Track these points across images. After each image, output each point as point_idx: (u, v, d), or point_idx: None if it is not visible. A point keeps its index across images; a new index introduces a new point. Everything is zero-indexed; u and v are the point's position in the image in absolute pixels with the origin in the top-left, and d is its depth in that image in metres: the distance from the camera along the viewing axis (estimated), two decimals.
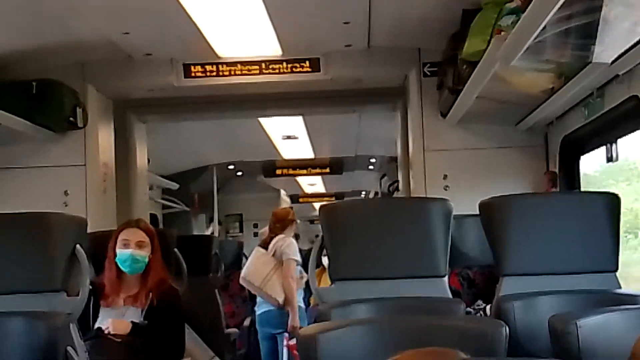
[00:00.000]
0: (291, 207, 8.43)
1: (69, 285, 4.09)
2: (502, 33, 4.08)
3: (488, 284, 5.00)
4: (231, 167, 13.56)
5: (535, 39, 3.67)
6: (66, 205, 6.17)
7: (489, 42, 4.25)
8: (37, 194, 6.16)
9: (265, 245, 6.78)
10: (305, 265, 5.89)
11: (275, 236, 6.77)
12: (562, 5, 3.34)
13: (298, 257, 6.73)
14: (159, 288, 4.43)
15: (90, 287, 4.20)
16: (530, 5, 3.47)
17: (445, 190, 6.20)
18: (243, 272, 6.80)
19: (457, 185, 6.21)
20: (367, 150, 12.52)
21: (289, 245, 6.71)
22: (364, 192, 18.53)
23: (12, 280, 3.87)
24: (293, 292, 6.51)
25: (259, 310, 6.82)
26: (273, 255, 6.65)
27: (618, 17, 3.59)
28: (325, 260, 4.47)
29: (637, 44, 3.43)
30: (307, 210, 21.18)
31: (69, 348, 3.67)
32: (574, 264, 3.73)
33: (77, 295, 4.01)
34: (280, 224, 6.92)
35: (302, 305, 6.88)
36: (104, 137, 6.72)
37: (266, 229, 7.18)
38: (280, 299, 6.51)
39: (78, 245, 4.03)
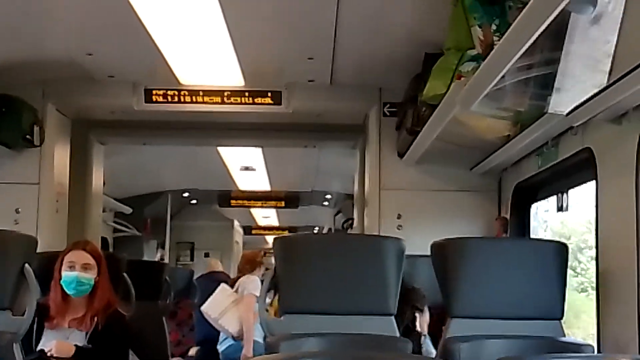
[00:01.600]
0: (260, 250, 8.72)
1: (14, 304, 4.03)
2: (462, 78, 4.15)
3: (437, 324, 5.03)
4: (186, 194, 13.51)
5: (494, 86, 3.75)
6: (17, 223, 6.09)
7: (449, 86, 4.32)
8: None
9: (232, 285, 7.12)
10: None
11: (242, 276, 7.12)
12: (521, 56, 3.42)
13: (258, 293, 6.60)
14: (105, 312, 4.38)
15: (36, 308, 4.15)
16: (491, 53, 3.55)
17: (399, 229, 6.25)
18: (204, 306, 7.05)
19: (410, 225, 6.26)
20: (323, 186, 12.58)
21: (252, 281, 7.02)
22: (317, 228, 18.56)
23: None
24: (250, 324, 6.69)
25: (221, 347, 6.97)
26: (236, 291, 6.98)
27: (575, 70, 3.69)
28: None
29: (592, 97, 3.51)
30: (259, 243, 21.12)
31: None
32: (521, 309, 3.78)
33: (23, 314, 3.95)
34: (249, 265, 7.26)
35: (260, 340, 6.85)
36: (60, 157, 6.66)
37: (215, 260, 7.28)
38: (234, 331, 6.66)
39: (27, 264, 3.98)
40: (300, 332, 3.76)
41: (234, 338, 6.73)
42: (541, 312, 3.77)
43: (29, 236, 4.26)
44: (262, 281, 7.00)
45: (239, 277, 7.17)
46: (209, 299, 7.18)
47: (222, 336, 7.00)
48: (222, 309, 6.81)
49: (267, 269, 7.52)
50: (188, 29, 5.21)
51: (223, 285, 7.11)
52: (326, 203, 14.00)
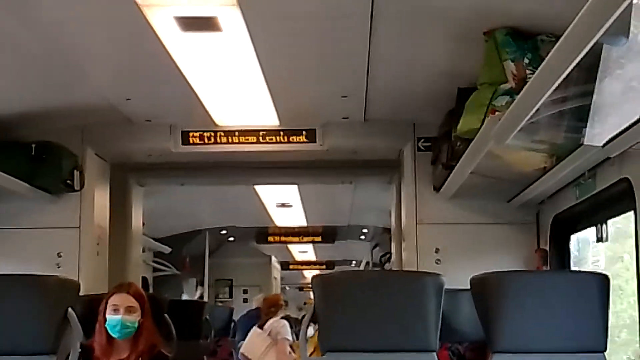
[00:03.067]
0: (280, 294, 10.98)
1: (59, 348, 4.09)
2: (497, 113, 4.16)
3: (479, 359, 5.01)
4: (224, 232, 13.58)
5: (528, 120, 3.76)
6: (59, 267, 6.16)
7: (483, 120, 4.33)
8: (31, 254, 6.16)
9: (261, 326, 8.02)
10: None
11: (269, 319, 8.07)
12: (555, 89, 3.43)
13: (290, 337, 8.04)
14: (150, 353, 4.42)
15: (80, 350, 4.20)
16: (525, 88, 3.56)
17: (437, 263, 6.22)
18: (242, 348, 7.90)
19: (449, 259, 6.24)
20: (359, 220, 12.58)
21: (283, 326, 7.97)
22: (354, 262, 18.52)
23: (2, 342, 3.87)
24: None
25: None
26: (269, 334, 7.88)
27: (610, 101, 3.69)
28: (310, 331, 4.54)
29: (629, 127, 3.50)
30: (297, 278, 21.13)
31: None
32: (563, 343, 3.75)
33: (67, 358, 4.01)
34: (274, 307, 8.25)
35: None
36: (100, 200, 6.75)
37: (260, 296, 8.86)
38: None
39: (70, 309, 4.04)
40: None
41: None
42: (584, 345, 3.74)
43: (72, 280, 4.34)
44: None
45: (266, 320, 8.05)
46: (246, 341, 7.99)
47: None
48: (259, 353, 7.71)
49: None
50: (223, 71, 5.28)
51: (256, 329, 8.00)
52: (363, 237, 13.99)
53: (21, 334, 3.91)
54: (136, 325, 4.43)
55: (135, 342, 4.44)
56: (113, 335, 4.42)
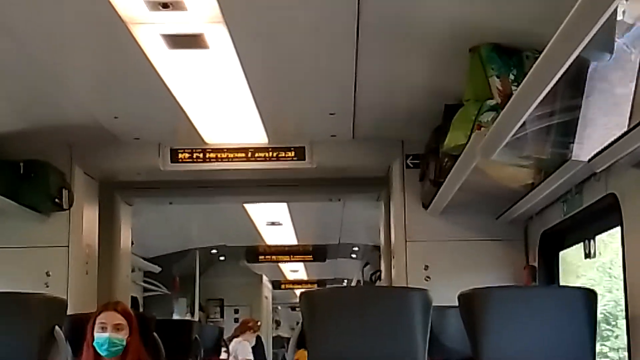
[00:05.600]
0: (257, 320, 11.22)
1: None
2: (482, 128, 4.18)
3: None
4: (214, 251, 13.55)
5: (514, 135, 3.77)
6: (47, 286, 6.13)
7: (469, 136, 4.35)
8: (19, 273, 6.13)
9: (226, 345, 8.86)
10: None
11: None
12: (540, 104, 3.45)
13: (250, 357, 9.57)
14: None
15: None
16: (509, 102, 3.58)
17: (427, 280, 6.22)
18: None
19: (438, 275, 6.24)
20: (350, 239, 12.57)
21: (244, 346, 9.35)
22: (346, 280, 18.48)
23: None
24: None
25: None
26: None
27: (596, 116, 3.71)
28: None
29: (613, 142, 3.52)
30: (289, 297, 21.06)
31: None
32: (551, 357, 3.75)
33: None
34: (241, 327, 9.86)
35: None
36: (89, 218, 6.74)
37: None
38: None
39: (57, 327, 4.03)
40: None
41: None
42: None
43: (59, 298, 4.32)
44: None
45: (231, 339, 8.94)
46: None
47: None
48: None
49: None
50: (211, 89, 5.29)
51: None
52: (354, 255, 13.97)
53: (7, 352, 3.89)
54: (124, 343, 4.41)
55: None
56: (101, 354, 4.39)
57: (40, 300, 4.22)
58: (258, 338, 9.88)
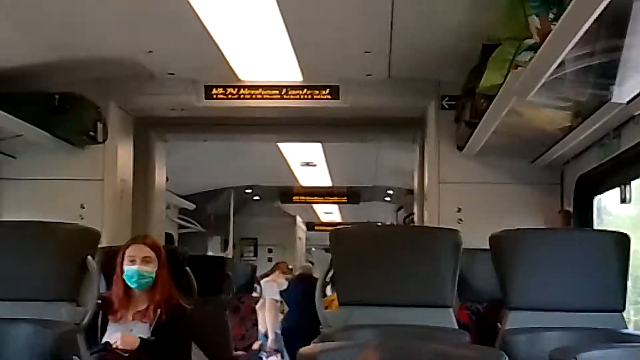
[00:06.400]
0: (285, 263, 11.72)
1: (79, 296, 4.14)
2: (519, 68, 4.10)
3: (497, 319, 4.99)
4: (248, 190, 13.61)
5: (551, 75, 3.69)
6: (82, 219, 6.19)
7: (506, 76, 4.27)
8: (54, 205, 6.18)
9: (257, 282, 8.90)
10: None
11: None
12: (578, 43, 3.36)
13: (277, 297, 10.17)
14: (168, 304, 4.47)
15: (100, 302, 4.25)
16: (545, 41, 3.49)
17: (459, 223, 6.18)
18: None
19: (471, 218, 6.19)
20: (384, 182, 12.54)
21: (270, 287, 9.93)
22: (380, 223, 18.50)
23: (22, 288, 3.93)
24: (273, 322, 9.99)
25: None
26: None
27: (637, 58, 3.61)
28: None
29: None
30: (323, 239, 21.14)
31: (75, 357, 3.71)
32: (580, 301, 3.74)
33: (87, 306, 4.05)
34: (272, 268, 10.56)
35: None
36: (123, 153, 6.77)
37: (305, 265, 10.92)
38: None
39: (89, 257, 4.08)
40: (356, 324, 3.78)
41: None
42: (601, 304, 3.73)
43: (92, 229, 4.38)
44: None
45: (261, 278, 9.33)
46: None
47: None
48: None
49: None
50: (246, 26, 5.24)
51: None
52: (388, 199, 13.95)
53: (41, 280, 3.96)
54: (153, 275, 4.48)
55: (153, 293, 4.49)
56: (131, 286, 4.47)
57: (73, 230, 4.28)
58: (305, 281, 9.86)
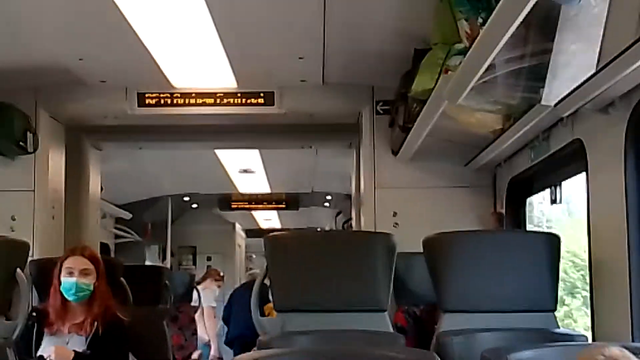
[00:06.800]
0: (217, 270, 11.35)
1: (9, 309, 4.05)
2: (450, 72, 4.14)
3: (434, 321, 5.03)
4: (186, 198, 13.49)
5: (480, 78, 3.74)
6: (13, 231, 6.06)
7: (437, 80, 4.31)
8: None
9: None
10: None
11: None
12: (508, 47, 3.41)
13: (213, 304, 10.09)
14: (105, 316, 4.40)
15: (35, 314, 4.16)
16: (473, 45, 3.54)
17: (395, 227, 6.23)
18: None
19: (406, 222, 6.24)
20: (323, 187, 12.56)
21: (206, 294, 9.59)
22: (319, 229, 18.52)
23: None
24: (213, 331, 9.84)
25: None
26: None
27: (565, 60, 3.68)
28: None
29: (579, 86, 3.50)
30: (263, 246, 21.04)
31: None
32: (514, 302, 3.79)
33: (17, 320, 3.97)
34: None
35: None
36: (55, 163, 6.65)
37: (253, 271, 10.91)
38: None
39: (18, 269, 4.00)
40: (293, 330, 3.77)
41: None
42: (534, 304, 3.78)
43: (21, 241, 4.29)
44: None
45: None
46: None
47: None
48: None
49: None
50: (178, 32, 5.20)
51: None
52: (327, 204, 13.97)
53: None
54: (91, 288, 4.41)
55: (90, 305, 4.42)
56: (68, 299, 4.39)
57: (1, 243, 4.18)
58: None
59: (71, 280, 4.35)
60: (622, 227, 3.52)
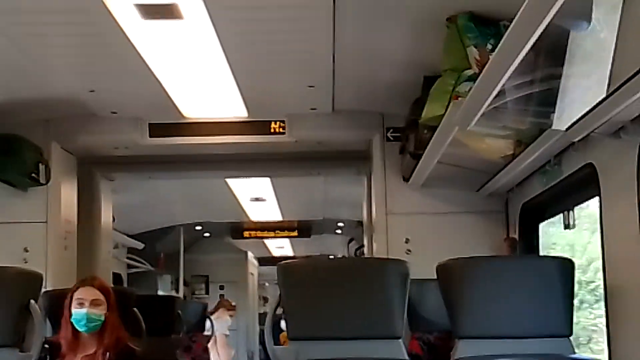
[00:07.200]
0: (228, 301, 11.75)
1: (24, 342, 4.04)
2: (460, 99, 4.15)
3: (449, 348, 4.99)
4: (198, 227, 13.50)
5: (491, 104, 3.74)
6: (26, 262, 6.08)
7: (447, 107, 4.32)
8: None
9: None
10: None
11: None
12: (517, 73, 3.42)
13: (226, 332, 10.41)
14: (116, 347, 4.38)
15: (48, 346, 4.16)
16: (483, 71, 3.55)
17: (407, 253, 6.21)
18: None
19: (419, 249, 6.23)
20: (334, 214, 12.55)
21: (219, 323, 9.78)
22: (331, 257, 18.48)
23: None
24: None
25: None
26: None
27: (575, 85, 3.68)
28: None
29: (590, 111, 3.50)
30: (276, 274, 21.01)
31: None
32: (528, 328, 3.75)
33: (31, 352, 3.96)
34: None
35: None
36: (67, 194, 6.68)
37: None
38: None
39: (32, 301, 4.00)
40: (307, 359, 3.75)
41: None
42: (549, 330, 3.75)
43: (34, 272, 4.29)
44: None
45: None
46: None
47: None
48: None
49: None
50: (188, 63, 5.24)
51: None
52: (339, 231, 13.96)
53: None
54: (102, 318, 4.39)
55: (102, 336, 4.39)
56: (79, 330, 4.37)
57: (14, 274, 4.19)
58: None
59: (82, 311, 4.34)
60: (638, 251, 3.50)
